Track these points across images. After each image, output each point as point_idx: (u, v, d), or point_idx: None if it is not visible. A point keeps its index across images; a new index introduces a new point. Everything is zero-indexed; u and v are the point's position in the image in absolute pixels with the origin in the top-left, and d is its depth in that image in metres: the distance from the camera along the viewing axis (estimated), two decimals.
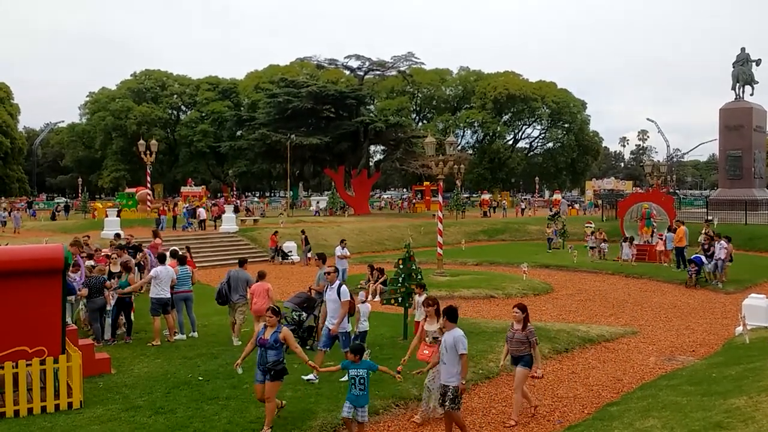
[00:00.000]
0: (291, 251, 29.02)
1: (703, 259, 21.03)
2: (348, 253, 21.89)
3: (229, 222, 33.14)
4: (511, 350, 8.69)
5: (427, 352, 8.73)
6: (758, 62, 42.56)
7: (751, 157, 41.07)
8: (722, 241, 20.62)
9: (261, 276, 12.64)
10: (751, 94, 42.65)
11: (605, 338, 13.59)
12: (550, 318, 16.11)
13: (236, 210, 48.98)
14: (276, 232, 29.97)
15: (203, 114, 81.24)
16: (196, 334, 13.55)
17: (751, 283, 20.47)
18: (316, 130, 55.79)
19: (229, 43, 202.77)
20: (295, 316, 12.54)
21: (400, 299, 13.01)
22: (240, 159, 70.56)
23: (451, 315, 7.87)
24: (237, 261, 14.19)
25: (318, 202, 58.45)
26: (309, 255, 26.49)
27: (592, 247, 27.57)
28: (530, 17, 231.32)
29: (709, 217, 36.47)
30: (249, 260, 17.11)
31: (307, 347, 12.01)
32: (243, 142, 62.23)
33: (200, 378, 10.18)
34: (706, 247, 21.66)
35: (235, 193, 75.61)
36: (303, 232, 29.12)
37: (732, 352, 11.44)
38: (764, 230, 33.06)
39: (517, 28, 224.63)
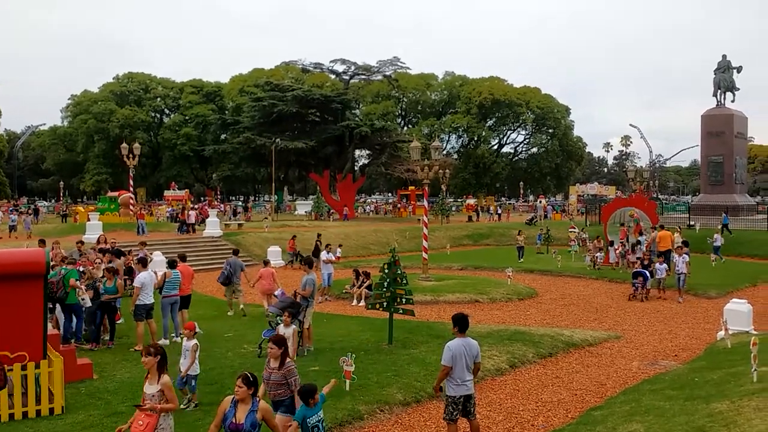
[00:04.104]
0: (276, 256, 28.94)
1: (647, 273, 20.08)
2: (333, 258, 21.84)
3: (213, 226, 32.95)
4: (269, 393, 7.05)
5: (141, 423, 6.05)
6: (739, 69, 43.09)
7: (733, 163, 41.51)
8: (684, 255, 19.89)
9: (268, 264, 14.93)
10: (732, 101, 43.16)
11: (589, 343, 13.66)
12: (535, 322, 16.18)
13: (235, 213, 48.74)
14: (294, 236, 29.77)
15: (187, 117, 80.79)
16: (179, 339, 13.46)
17: (732, 288, 20.65)
18: (301, 134, 55.73)
19: (214, 47, 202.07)
20: (279, 321, 12.50)
21: (385, 304, 13.01)
22: (224, 163, 70.30)
23: (459, 323, 7.73)
24: (227, 257, 17.61)
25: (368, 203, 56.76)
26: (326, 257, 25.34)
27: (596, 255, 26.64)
28: (515, 23, 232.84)
29: (691, 222, 36.90)
30: None
31: None
32: (227, 146, 62.02)
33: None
34: (646, 263, 21.03)
35: (219, 197, 75.19)
36: (319, 235, 29.16)
37: (714, 357, 11.54)
38: (745, 235, 33.45)
39: (502, 34, 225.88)
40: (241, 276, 17.36)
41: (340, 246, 29.73)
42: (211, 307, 18.08)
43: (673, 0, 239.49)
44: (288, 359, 7.24)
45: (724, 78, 42.88)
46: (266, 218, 46.25)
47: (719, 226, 33.63)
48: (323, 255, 20.89)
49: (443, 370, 7.47)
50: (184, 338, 9.38)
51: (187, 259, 26.82)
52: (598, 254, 26.58)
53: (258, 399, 5.94)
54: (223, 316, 16.90)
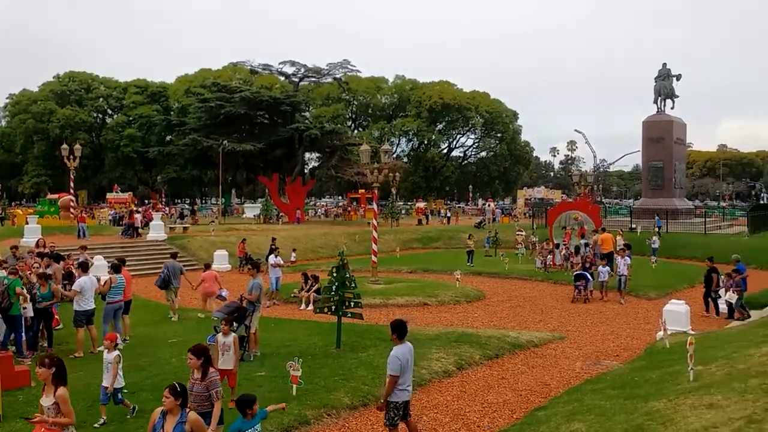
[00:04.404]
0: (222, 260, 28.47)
1: (589, 275, 20.53)
2: (281, 261, 21.62)
3: (157, 230, 32.19)
4: (192, 406, 6.49)
5: None
6: (678, 77, 44.56)
7: (672, 168, 42.85)
8: (626, 257, 20.49)
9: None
10: (672, 108, 44.58)
11: (534, 344, 13.87)
12: (482, 324, 16.35)
13: (182, 216, 47.57)
14: (244, 239, 29.28)
15: (131, 118, 78.85)
16: (122, 345, 13.11)
17: (671, 289, 21.27)
18: (249, 136, 55.09)
19: (159, 46, 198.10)
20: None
21: (333, 307, 12.94)
22: (169, 165, 68.95)
23: (398, 330, 7.58)
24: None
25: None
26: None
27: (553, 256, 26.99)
28: (464, 28, 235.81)
29: (633, 226, 37.99)
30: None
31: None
32: (172, 148, 60.90)
33: (125, 390, 9.83)
34: (587, 265, 21.56)
35: (163, 199, 73.66)
36: (273, 239, 28.77)
37: (653, 357, 11.86)
38: (684, 238, 34.58)
39: (451, 39, 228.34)
40: (180, 279, 17.26)
41: (294, 250, 29.50)
42: (155, 312, 17.70)
43: (619, 9, 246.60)
44: (211, 369, 6.97)
45: (665, 85, 44.28)
46: (213, 221, 45.51)
47: (654, 229, 34.75)
48: (271, 259, 20.67)
49: (392, 380, 7.35)
50: (105, 350, 9.09)
51: (130, 263, 26.40)
52: (549, 256, 27.04)
53: (187, 410, 5.72)
54: (167, 321, 16.56)
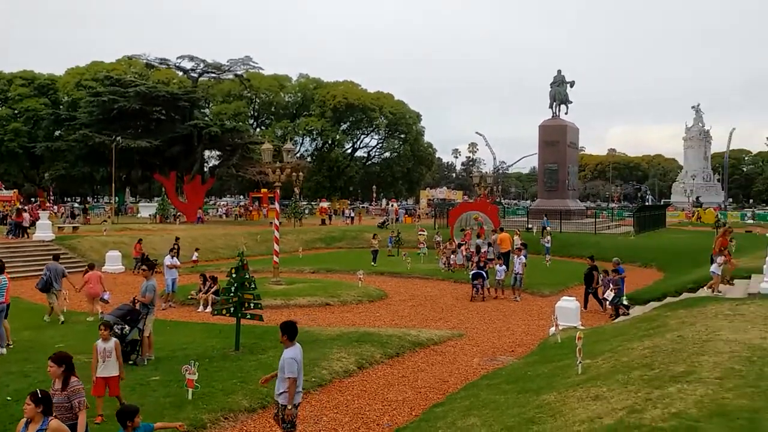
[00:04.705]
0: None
1: (485, 273, 21.07)
2: (178, 263, 20.90)
3: (44, 229, 30.33)
4: (57, 416, 5.92)
5: None
6: (572, 84, 46.73)
7: (566, 171, 44.84)
8: (522, 256, 21.22)
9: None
10: (566, 113, 46.70)
11: (434, 341, 14.10)
12: (384, 323, 16.47)
13: (73, 215, 44.90)
14: (141, 240, 27.88)
15: (16, 111, 73.71)
16: (4, 351, 12.36)
17: (564, 287, 22.23)
18: (145, 132, 53.01)
19: (47, 37, 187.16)
20: (117, 330, 11.74)
21: (232, 309, 12.64)
22: (58, 161, 65.07)
23: (289, 331, 7.46)
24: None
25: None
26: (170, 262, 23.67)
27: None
28: (368, 29, 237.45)
29: (530, 226, 39.46)
30: (69, 271, 18.10)
31: (130, 362, 11.38)
32: (61, 144, 57.53)
33: (8, 398, 9.24)
34: (482, 264, 22.23)
35: (52, 198, 69.54)
36: (177, 239, 27.69)
37: (546, 351, 12.33)
38: (576, 237, 36.24)
39: (357, 39, 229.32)
40: (63, 282, 16.57)
41: (197, 250, 28.65)
42: (40, 315, 16.65)
43: (518, 16, 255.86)
44: (73, 379, 6.52)
45: (559, 91, 46.32)
46: (106, 221, 43.42)
47: (541, 229, 36.26)
48: (167, 260, 19.95)
49: (293, 383, 7.24)
50: None
51: (16, 264, 24.75)
52: (452, 256, 27.53)
53: (49, 418, 5.47)
54: (55, 325, 15.65)
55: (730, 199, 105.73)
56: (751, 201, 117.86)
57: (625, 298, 17.75)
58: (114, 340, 9.08)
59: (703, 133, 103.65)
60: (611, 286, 17.64)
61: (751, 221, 58.92)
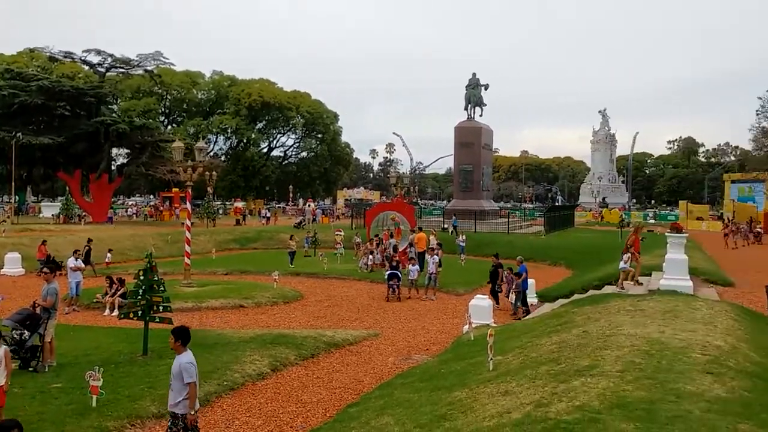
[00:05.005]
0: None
1: (400, 273, 21.28)
2: (82, 265, 19.96)
3: None
4: None
5: None
6: (486, 87, 47.87)
7: (480, 172, 45.83)
8: (435, 256, 21.58)
9: None
10: (481, 115, 47.81)
11: (349, 342, 14.08)
12: (299, 325, 16.31)
13: None
14: (45, 241, 26.28)
15: None
16: None
17: (478, 285, 22.59)
18: (48, 128, 50.38)
19: None
20: (15, 336, 11.14)
21: (140, 312, 12.18)
22: None
23: (183, 336, 7.22)
24: None
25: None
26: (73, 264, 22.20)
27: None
28: (285, 26, 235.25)
29: (445, 226, 40.14)
30: None
31: (30, 369, 10.85)
32: None
33: None
34: (394, 264, 22.33)
35: None
36: (89, 240, 26.28)
37: (459, 349, 12.55)
38: (490, 237, 37.10)
39: (272, 37, 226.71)
40: None
41: (110, 251, 27.46)
42: None
43: (433, 17, 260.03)
44: None
45: (474, 94, 47.35)
46: (4, 221, 40.99)
47: (451, 228, 37.03)
48: (70, 262, 19.02)
49: (194, 387, 7.07)
50: None
51: None
52: (370, 256, 27.52)
53: None
54: None
55: (634, 200, 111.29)
56: (653, 202, 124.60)
57: (529, 295, 18.40)
58: (4, 347, 8.54)
59: (609, 136, 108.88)
60: (512, 287, 18.13)
61: (653, 221, 62.25)
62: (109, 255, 27.03)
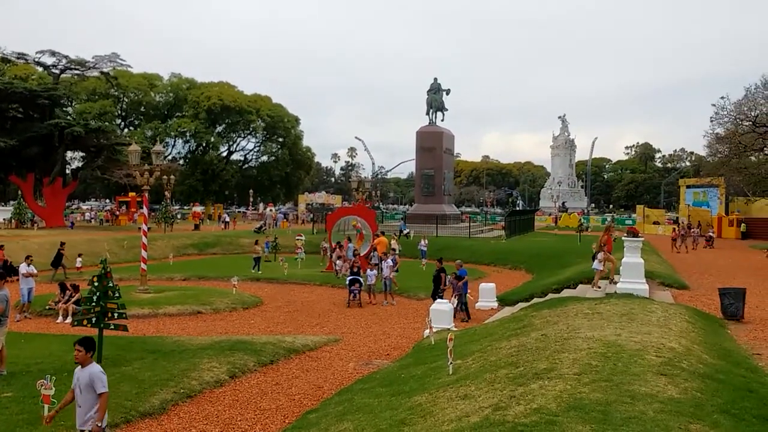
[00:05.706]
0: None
1: (360, 279, 21.15)
2: (35, 271, 19.39)
3: None
4: None
5: None
6: (448, 92, 48.22)
7: (442, 176, 46.11)
8: (389, 260, 21.64)
9: None
10: (443, 120, 48.14)
11: (309, 348, 13.98)
12: (258, 331, 16.13)
13: None
14: (2, 246, 25.37)
15: None
16: None
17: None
18: (0, 131, 48.89)
19: None
20: None
21: (94, 320, 11.87)
22: None
23: (93, 347, 6.92)
24: None
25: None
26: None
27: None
28: (246, 28, 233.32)
29: (406, 231, 40.25)
30: None
31: None
32: None
33: None
34: (355, 269, 22.09)
35: None
36: (62, 243, 25.56)
37: (420, 354, 12.54)
38: (451, 241, 37.36)
39: (232, 39, 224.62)
40: None
41: (80, 255, 26.87)
42: None
43: (395, 23, 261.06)
44: None
45: (436, 99, 47.64)
46: None
47: (398, 232, 37.23)
48: (22, 268, 18.48)
49: (107, 397, 6.73)
50: None
51: None
52: (338, 261, 27.25)
53: None
54: None
55: (593, 205, 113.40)
56: (611, 206, 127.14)
57: (489, 299, 18.55)
58: None
59: (568, 141, 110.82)
60: (454, 291, 18.19)
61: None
62: (79, 260, 26.47)
